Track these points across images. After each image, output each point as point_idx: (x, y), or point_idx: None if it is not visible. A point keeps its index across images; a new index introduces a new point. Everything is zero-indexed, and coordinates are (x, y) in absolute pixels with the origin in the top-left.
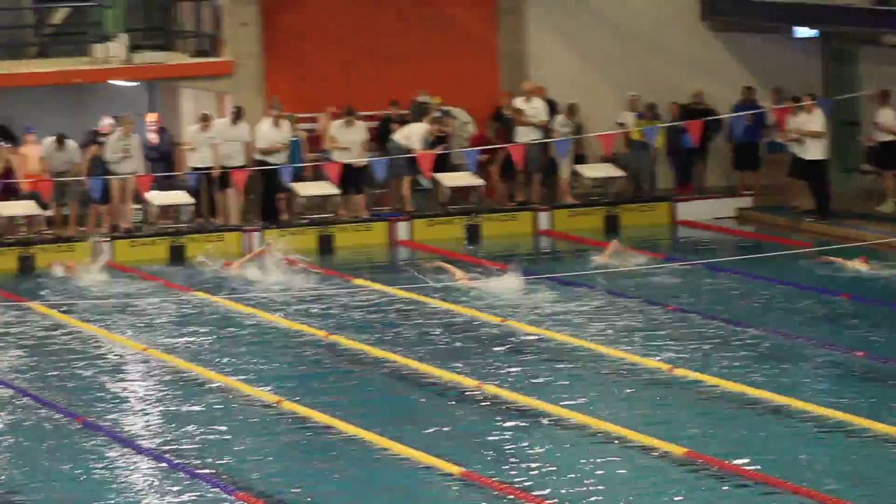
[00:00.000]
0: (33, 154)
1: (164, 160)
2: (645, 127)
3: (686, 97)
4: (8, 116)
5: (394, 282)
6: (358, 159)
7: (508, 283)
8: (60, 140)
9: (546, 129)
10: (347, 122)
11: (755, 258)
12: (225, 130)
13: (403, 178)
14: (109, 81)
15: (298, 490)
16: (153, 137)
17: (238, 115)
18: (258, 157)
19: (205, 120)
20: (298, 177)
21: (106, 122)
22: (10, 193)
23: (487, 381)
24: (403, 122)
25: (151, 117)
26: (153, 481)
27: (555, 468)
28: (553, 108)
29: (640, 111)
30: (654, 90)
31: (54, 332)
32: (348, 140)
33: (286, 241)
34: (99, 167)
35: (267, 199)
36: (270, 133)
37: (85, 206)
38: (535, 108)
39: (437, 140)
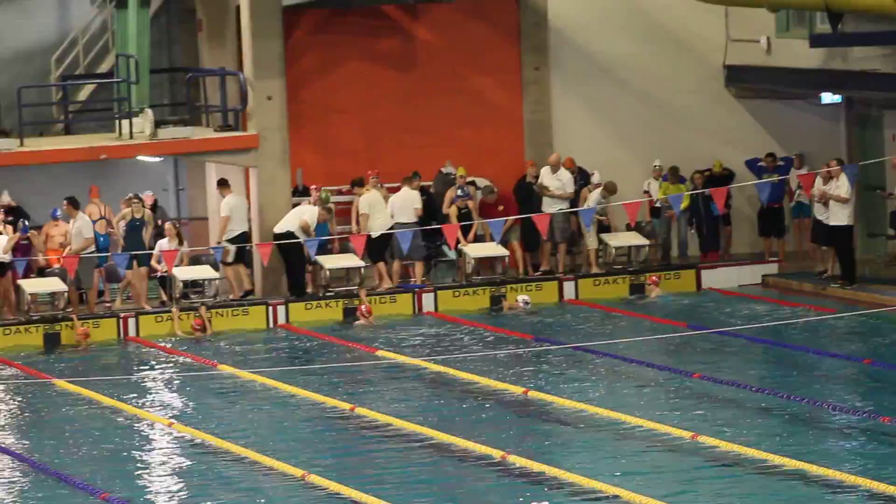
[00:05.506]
0: (57, 232)
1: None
2: (671, 195)
3: (711, 164)
4: (34, 194)
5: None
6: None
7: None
8: (73, 204)
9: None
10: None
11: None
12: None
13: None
14: (136, 157)
15: None
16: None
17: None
18: (284, 230)
19: (224, 186)
20: (324, 249)
21: (147, 194)
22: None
23: (508, 450)
24: (425, 193)
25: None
26: None
27: None
28: (583, 177)
29: (665, 176)
30: (679, 157)
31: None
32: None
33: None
34: (134, 233)
35: (293, 272)
36: (310, 220)
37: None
38: (560, 181)
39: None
